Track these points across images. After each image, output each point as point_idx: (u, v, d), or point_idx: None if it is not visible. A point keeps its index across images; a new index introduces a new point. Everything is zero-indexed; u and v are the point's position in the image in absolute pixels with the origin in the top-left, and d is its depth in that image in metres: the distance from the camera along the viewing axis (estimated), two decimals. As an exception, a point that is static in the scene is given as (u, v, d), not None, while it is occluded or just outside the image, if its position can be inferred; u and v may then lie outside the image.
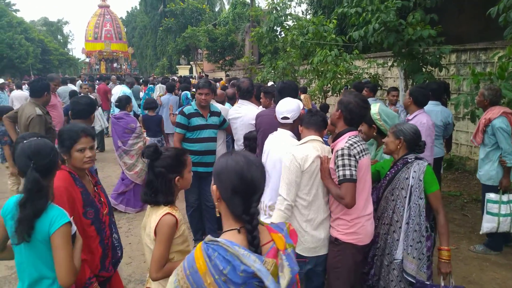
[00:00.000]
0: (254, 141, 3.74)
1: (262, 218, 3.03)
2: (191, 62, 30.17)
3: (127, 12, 58.18)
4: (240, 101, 4.34)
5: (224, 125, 4.45)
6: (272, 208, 2.94)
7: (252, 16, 14.92)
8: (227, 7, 38.88)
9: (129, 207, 5.75)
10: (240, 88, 4.29)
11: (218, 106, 4.57)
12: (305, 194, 2.51)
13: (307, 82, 10.09)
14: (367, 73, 8.83)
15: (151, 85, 12.49)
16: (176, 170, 2.08)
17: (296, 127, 3.11)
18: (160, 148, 2.12)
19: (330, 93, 8.82)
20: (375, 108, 3.01)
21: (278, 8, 12.34)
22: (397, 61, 6.70)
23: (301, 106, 3.15)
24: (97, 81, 15.74)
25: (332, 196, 2.47)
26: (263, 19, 20.23)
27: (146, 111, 6.52)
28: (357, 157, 2.36)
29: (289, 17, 11.91)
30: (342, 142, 2.42)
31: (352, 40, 7.02)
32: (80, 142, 2.19)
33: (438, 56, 6.35)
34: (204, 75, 23.60)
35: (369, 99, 6.57)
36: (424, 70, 6.45)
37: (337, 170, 2.37)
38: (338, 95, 8.24)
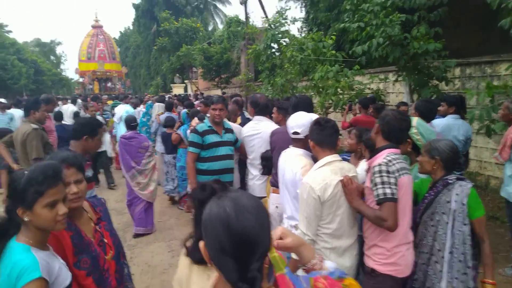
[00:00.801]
0: (272, 161, 3.53)
1: None
2: (185, 81, 30.08)
3: (120, 32, 58.36)
4: (256, 117, 4.15)
5: (236, 144, 4.22)
6: (298, 227, 2.73)
7: (248, 34, 14.89)
8: (220, 26, 39.16)
9: (140, 227, 5.48)
10: (258, 104, 4.14)
11: (230, 125, 4.38)
12: (328, 223, 2.28)
13: (307, 99, 9.93)
14: (368, 88, 8.69)
15: (149, 102, 12.22)
16: None
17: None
18: (215, 186, 1.56)
19: (331, 109, 8.65)
20: (413, 121, 2.79)
21: (273, 26, 12.31)
22: (403, 75, 6.56)
23: None
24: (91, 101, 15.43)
25: (367, 219, 2.22)
26: (257, 37, 20.32)
27: (165, 129, 6.69)
28: (396, 174, 2.13)
29: (285, 34, 11.87)
30: (380, 159, 2.19)
31: (355, 55, 6.87)
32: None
33: (443, 70, 6.24)
34: (200, 93, 23.46)
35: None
36: (429, 84, 6.33)
37: (375, 188, 2.13)
38: (341, 111, 8.08)
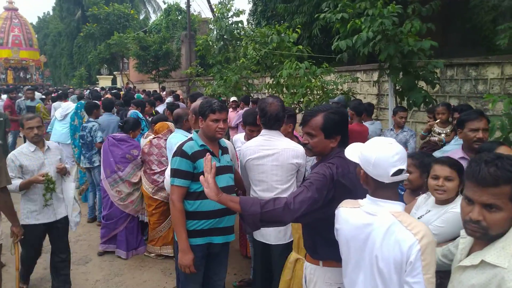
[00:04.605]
0: None
1: None
2: (114, 72, 27.57)
3: (38, 17, 52.94)
4: (264, 131, 2.85)
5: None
6: None
7: (197, 23, 13.56)
8: (153, 15, 36.83)
9: (121, 250, 4.60)
10: (266, 114, 2.76)
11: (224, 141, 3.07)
12: None
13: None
14: (338, 89, 7.88)
15: (73, 96, 10.33)
16: None
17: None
18: None
19: (297, 111, 7.72)
20: None
21: (225, 15, 11.11)
22: (391, 76, 5.77)
23: None
24: (3, 94, 12.66)
25: None
26: (199, 28, 18.90)
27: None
28: None
29: (240, 25, 10.74)
30: None
31: (336, 50, 5.94)
32: None
33: (431, 71, 5.58)
34: (132, 86, 21.46)
35: (367, 123, 5.57)
36: (417, 87, 5.63)
37: None
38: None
